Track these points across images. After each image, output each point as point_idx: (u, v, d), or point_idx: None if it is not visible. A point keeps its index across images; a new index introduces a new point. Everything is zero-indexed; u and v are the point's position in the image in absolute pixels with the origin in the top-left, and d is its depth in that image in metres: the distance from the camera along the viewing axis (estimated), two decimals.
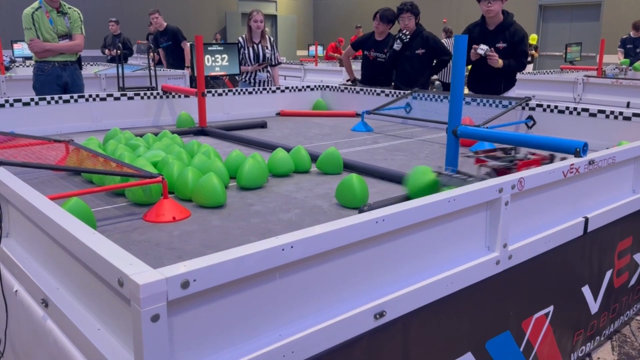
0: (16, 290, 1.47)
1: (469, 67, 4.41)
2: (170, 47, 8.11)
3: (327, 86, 5.14)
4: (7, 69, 7.27)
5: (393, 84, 5.07)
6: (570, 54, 8.81)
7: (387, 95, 4.52)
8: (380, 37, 5.08)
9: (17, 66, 7.83)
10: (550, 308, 1.94)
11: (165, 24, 8.14)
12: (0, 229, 1.64)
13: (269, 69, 5.37)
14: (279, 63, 5.60)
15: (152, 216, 1.94)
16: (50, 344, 1.28)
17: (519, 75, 4.57)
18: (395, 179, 2.50)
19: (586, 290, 2.14)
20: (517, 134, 2.96)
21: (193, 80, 5.31)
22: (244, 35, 5.28)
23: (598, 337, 2.34)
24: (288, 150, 2.67)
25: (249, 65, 5.22)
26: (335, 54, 12.52)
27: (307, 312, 1.21)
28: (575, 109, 3.41)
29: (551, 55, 13.76)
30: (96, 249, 1.05)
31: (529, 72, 7.92)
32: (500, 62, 4.06)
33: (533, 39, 11.92)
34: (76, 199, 1.79)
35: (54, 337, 1.25)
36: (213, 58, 4.47)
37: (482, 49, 4.05)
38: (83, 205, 1.80)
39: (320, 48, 12.26)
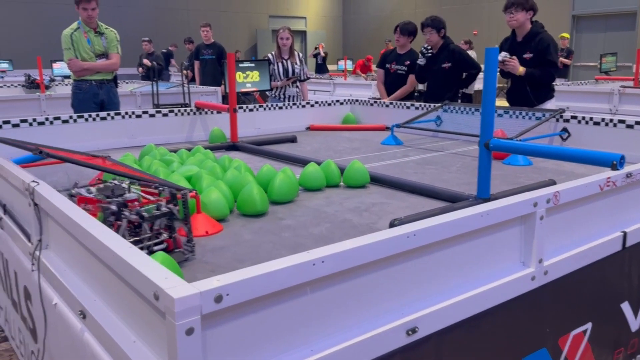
0: (55, 304, 1.51)
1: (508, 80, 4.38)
2: (212, 61, 8.44)
3: (357, 100, 5.15)
4: (47, 87, 7.56)
5: (416, 95, 5.10)
6: (605, 64, 8.65)
7: (417, 108, 4.50)
8: (402, 50, 5.15)
9: (57, 85, 8.12)
10: (589, 325, 1.89)
11: (213, 39, 8.53)
12: (40, 242, 1.69)
13: (298, 84, 5.43)
14: (308, 78, 5.65)
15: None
16: (87, 355, 1.30)
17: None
18: (425, 192, 2.48)
19: (626, 307, 2.07)
20: (552, 147, 2.91)
21: (225, 97, 5.41)
22: (273, 52, 5.36)
23: (639, 356, 2.26)
24: (318, 164, 2.69)
25: (278, 81, 5.29)
26: (362, 74, 12.52)
27: (338, 327, 1.21)
28: (611, 120, 3.33)
29: (585, 65, 13.50)
30: (132, 262, 1.08)
31: (562, 83, 7.79)
32: (521, 69, 4.01)
33: (564, 36, 11.24)
34: None
35: (91, 349, 1.28)
36: (244, 75, 4.54)
37: (501, 55, 4.01)
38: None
39: (349, 62, 12.31)
